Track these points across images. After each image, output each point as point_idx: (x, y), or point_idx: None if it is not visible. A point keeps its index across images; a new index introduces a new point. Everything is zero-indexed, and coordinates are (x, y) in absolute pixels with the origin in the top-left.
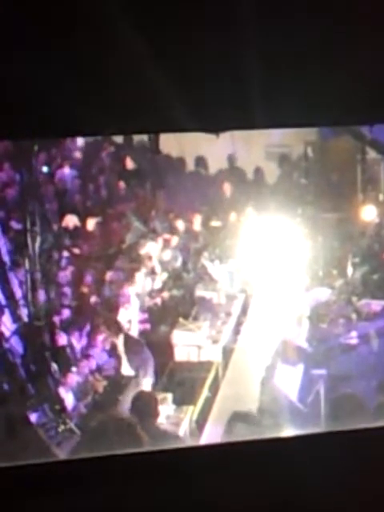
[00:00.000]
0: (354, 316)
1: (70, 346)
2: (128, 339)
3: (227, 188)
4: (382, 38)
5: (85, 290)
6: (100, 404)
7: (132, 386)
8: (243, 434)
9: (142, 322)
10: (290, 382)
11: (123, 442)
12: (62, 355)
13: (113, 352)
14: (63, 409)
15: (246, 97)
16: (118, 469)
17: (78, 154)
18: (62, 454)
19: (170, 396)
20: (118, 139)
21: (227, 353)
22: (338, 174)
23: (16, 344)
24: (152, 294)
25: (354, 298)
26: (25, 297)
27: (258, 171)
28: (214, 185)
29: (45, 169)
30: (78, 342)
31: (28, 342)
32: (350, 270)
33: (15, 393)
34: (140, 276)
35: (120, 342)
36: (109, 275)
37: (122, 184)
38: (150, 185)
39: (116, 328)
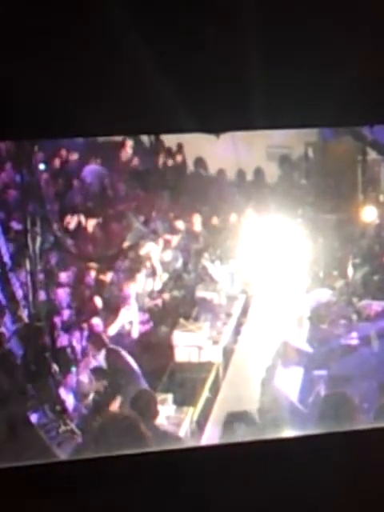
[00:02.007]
0: (354, 317)
1: (71, 346)
2: (110, 353)
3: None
4: (382, 38)
5: (85, 290)
6: (101, 404)
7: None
8: (242, 433)
9: (143, 322)
10: (290, 382)
11: (126, 441)
12: (63, 356)
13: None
14: (64, 409)
15: (246, 97)
16: (119, 469)
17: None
18: (62, 454)
19: (170, 397)
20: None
21: (228, 353)
22: (338, 175)
23: (16, 345)
24: (152, 294)
25: (355, 299)
26: (25, 297)
27: (258, 172)
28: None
29: (42, 166)
30: (78, 343)
31: (28, 343)
32: (350, 271)
33: (15, 393)
34: (140, 277)
35: (101, 357)
36: (109, 276)
37: (122, 184)
38: (151, 185)
39: (99, 342)
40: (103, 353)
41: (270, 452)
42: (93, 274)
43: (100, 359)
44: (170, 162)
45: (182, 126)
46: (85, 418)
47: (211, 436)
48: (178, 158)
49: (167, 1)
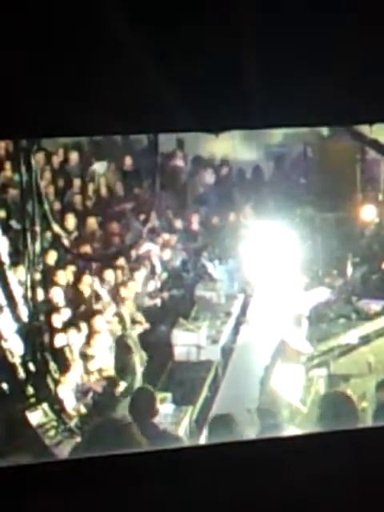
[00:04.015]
0: (353, 316)
1: (70, 345)
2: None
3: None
4: (381, 38)
5: (84, 289)
6: (100, 404)
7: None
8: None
9: (141, 321)
10: (289, 381)
11: (120, 444)
12: (62, 355)
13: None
14: (63, 409)
15: (245, 96)
16: (118, 469)
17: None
18: (61, 454)
19: (169, 396)
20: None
21: (227, 353)
22: (337, 174)
23: (15, 344)
24: (152, 293)
25: (354, 298)
26: (24, 296)
27: (257, 171)
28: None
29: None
30: (77, 342)
31: (27, 342)
32: (349, 270)
33: (14, 393)
34: (140, 276)
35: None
36: (108, 275)
37: (121, 184)
38: (149, 184)
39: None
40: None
41: (269, 451)
42: (91, 273)
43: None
44: (168, 161)
45: (182, 125)
46: (84, 417)
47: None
48: (178, 157)
49: (167, 1)
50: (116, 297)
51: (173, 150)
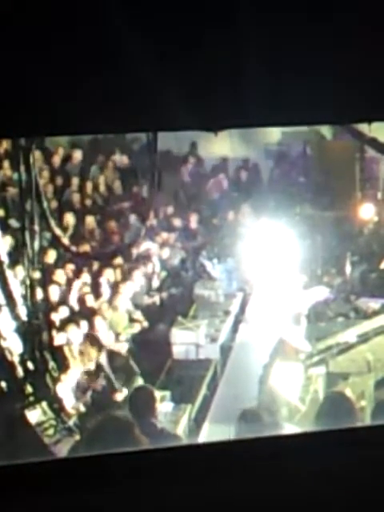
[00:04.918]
0: (352, 314)
1: (69, 344)
2: (112, 355)
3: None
4: (381, 36)
5: (83, 288)
6: (99, 403)
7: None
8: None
9: (140, 320)
10: (288, 380)
11: (121, 442)
12: (61, 353)
13: (99, 372)
14: (62, 407)
15: (244, 94)
16: (116, 467)
17: None
18: (60, 452)
19: (168, 394)
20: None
21: (226, 351)
22: (336, 173)
23: (14, 342)
24: (151, 292)
25: (353, 297)
26: (23, 295)
27: (256, 170)
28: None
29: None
30: (76, 341)
31: (26, 341)
32: (348, 269)
33: (13, 391)
34: (139, 274)
35: (103, 359)
36: (107, 274)
37: (119, 182)
38: (148, 183)
39: (98, 345)
40: (104, 355)
41: (268, 450)
42: (90, 271)
43: (103, 362)
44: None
45: (181, 124)
46: (83, 416)
47: (209, 434)
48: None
49: (167, 1)
50: (114, 296)
51: (187, 153)
